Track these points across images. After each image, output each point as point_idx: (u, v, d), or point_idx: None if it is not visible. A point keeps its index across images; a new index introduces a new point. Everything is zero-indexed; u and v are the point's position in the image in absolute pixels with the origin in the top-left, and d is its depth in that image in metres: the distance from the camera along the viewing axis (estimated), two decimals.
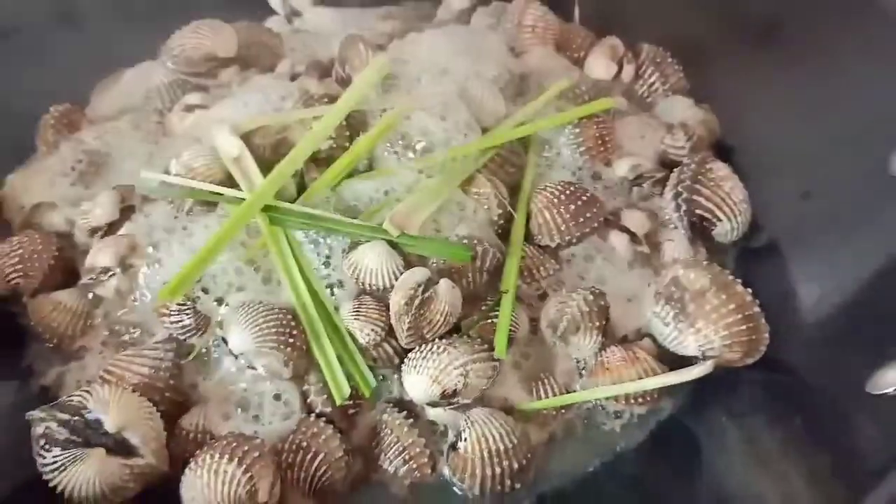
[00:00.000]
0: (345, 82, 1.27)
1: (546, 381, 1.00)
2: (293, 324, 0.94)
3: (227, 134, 1.06)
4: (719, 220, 1.14)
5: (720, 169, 1.17)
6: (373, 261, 0.98)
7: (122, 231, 1.08)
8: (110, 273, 1.03)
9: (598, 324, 1.01)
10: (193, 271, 0.92)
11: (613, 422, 1.01)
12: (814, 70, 1.22)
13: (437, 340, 0.95)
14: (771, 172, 1.21)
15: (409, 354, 0.96)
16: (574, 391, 1.01)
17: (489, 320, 0.99)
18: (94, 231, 1.08)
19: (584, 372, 1.03)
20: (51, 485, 0.82)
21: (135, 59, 1.41)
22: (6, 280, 1.06)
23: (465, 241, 1.02)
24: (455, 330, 0.99)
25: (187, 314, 0.96)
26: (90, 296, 1.06)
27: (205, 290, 0.98)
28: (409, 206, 1.01)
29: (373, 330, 0.96)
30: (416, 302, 0.94)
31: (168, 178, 1.05)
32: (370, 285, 0.99)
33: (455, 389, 0.91)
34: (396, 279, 0.98)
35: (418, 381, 0.92)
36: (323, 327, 0.95)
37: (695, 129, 1.26)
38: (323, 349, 0.94)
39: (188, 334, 0.98)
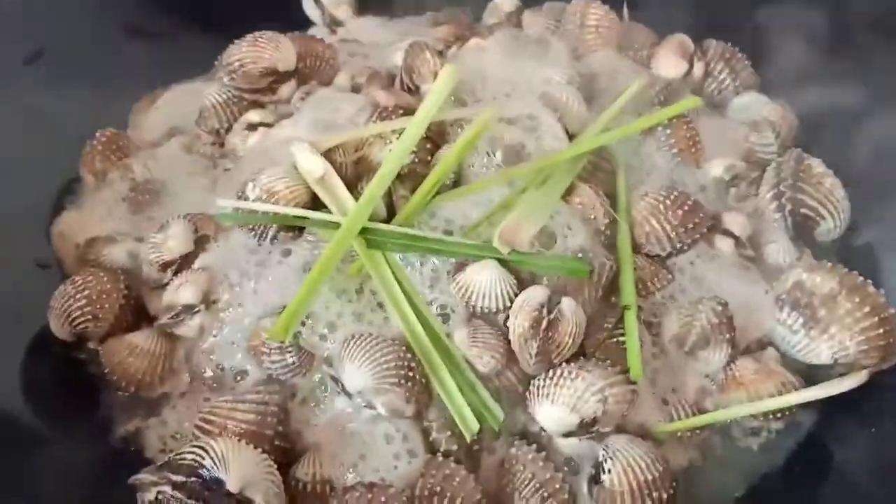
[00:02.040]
0: (412, 92, 1.20)
1: (678, 400, 0.93)
2: (409, 356, 0.86)
3: (309, 152, 0.98)
4: (822, 218, 1.09)
5: (818, 165, 1.12)
6: (484, 282, 0.90)
7: (198, 264, 0.98)
8: (194, 310, 0.94)
9: (727, 336, 0.94)
10: (301, 305, 0.83)
11: (749, 439, 0.94)
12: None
13: (563, 365, 0.88)
14: (854, 167, 1.16)
15: (536, 382, 0.88)
16: (706, 410, 0.93)
17: (615, 339, 0.92)
18: (166, 265, 0.99)
19: (713, 387, 0.95)
20: None
21: (170, 78, 1.33)
22: (72, 324, 0.96)
23: (579, 254, 0.94)
24: (578, 353, 0.91)
25: (290, 352, 0.87)
26: (167, 337, 0.97)
27: (304, 325, 0.89)
28: (517, 221, 0.93)
29: (493, 357, 0.88)
30: (543, 324, 0.86)
31: (248, 205, 0.96)
32: (482, 308, 0.91)
33: (594, 417, 0.84)
34: (511, 300, 0.91)
35: (553, 411, 0.85)
36: (440, 358, 0.87)
37: (780, 124, 1.21)
38: (443, 382, 0.86)
39: (291, 374, 0.89)
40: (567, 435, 0.86)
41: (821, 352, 0.95)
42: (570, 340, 0.87)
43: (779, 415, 0.92)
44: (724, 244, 1.07)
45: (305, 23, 1.47)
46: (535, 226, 0.94)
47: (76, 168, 1.18)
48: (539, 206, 0.96)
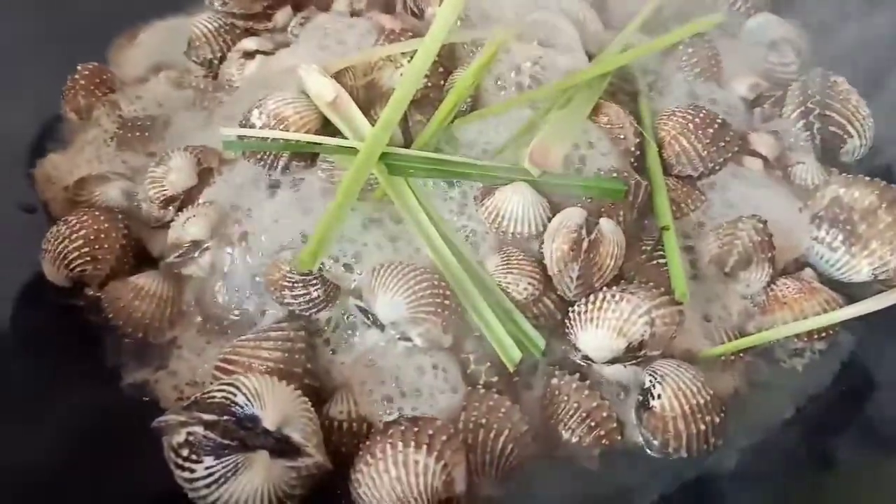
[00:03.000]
0: (416, 16, 1.13)
1: (720, 323, 0.89)
2: (443, 284, 0.81)
3: (319, 75, 0.90)
4: (850, 136, 1.06)
5: (843, 83, 1.08)
6: (516, 205, 0.85)
7: (203, 198, 0.91)
8: (204, 246, 0.87)
9: (769, 255, 0.90)
10: (328, 230, 0.77)
11: (793, 360, 0.91)
12: None
13: (605, 289, 0.83)
14: (873, 86, 1.13)
15: (576, 308, 0.83)
16: (749, 333, 0.90)
17: (654, 262, 0.88)
18: (168, 201, 0.91)
19: (755, 309, 0.92)
20: (202, 503, 0.67)
21: (148, 14, 1.24)
22: (69, 268, 0.88)
23: (613, 174, 0.89)
24: (618, 276, 0.87)
25: (314, 285, 0.81)
26: (174, 277, 0.90)
27: (329, 256, 0.83)
28: (547, 141, 0.88)
29: (530, 283, 0.83)
30: (584, 245, 0.81)
31: (255, 132, 0.89)
32: (515, 234, 0.86)
33: (642, 341, 0.79)
34: (545, 224, 0.86)
35: (598, 336, 0.80)
36: (474, 286, 0.81)
37: (799, 43, 1.17)
38: (480, 311, 0.80)
39: (315, 308, 0.83)
40: (612, 362, 0.82)
41: (861, 269, 0.92)
42: (612, 262, 0.83)
43: (823, 334, 0.89)
44: (753, 164, 1.03)
45: None
46: (565, 146, 0.89)
47: (57, 106, 1.09)
48: (567, 126, 0.91)
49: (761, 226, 0.90)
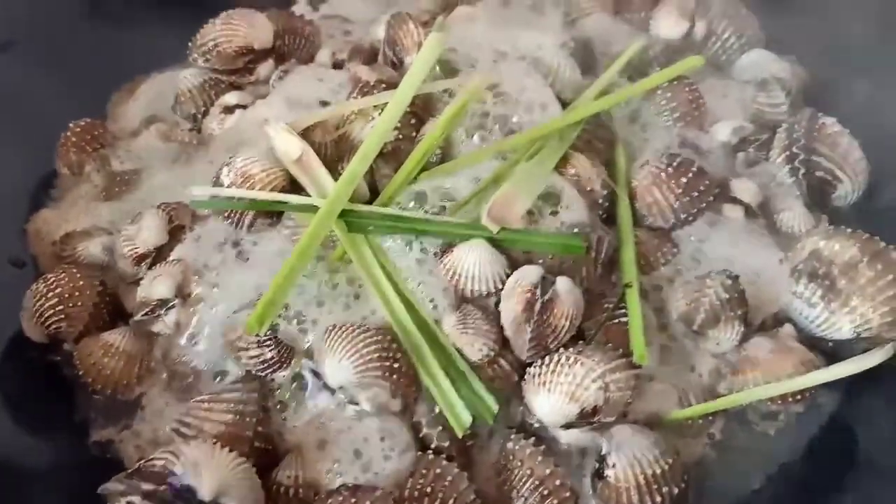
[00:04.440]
0: (396, 66, 1.14)
1: (688, 385, 0.87)
2: (395, 346, 0.80)
3: (286, 133, 0.92)
4: (840, 181, 1.02)
5: (833, 125, 1.04)
6: (473, 263, 0.84)
7: (173, 256, 0.93)
8: (169, 305, 0.89)
9: (739, 312, 0.87)
10: (278, 294, 0.78)
11: (765, 424, 0.88)
12: None
13: (561, 350, 0.82)
14: (874, 127, 1.08)
15: (531, 370, 0.82)
16: (720, 394, 0.87)
17: (616, 321, 0.86)
18: (141, 258, 0.93)
19: (725, 369, 0.89)
20: None
21: (150, 66, 1.28)
22: (45, 325, 0.92)
23: (575, 229, 0.88)
24: (577, 336, 0.85)
25: (268, 346, 0.82)
26: (144, 335, 0.92)
27: (282, 316, 0.84)
28: (507, 196, 0.87)
29: (485, 344, 0.82)
30: (538, 307, 0.80)
31: (222, 191, 0.91)
32: (472, 292, 0.85)
33: (595, 406, 0.78)
34: (503, 283, 0.85)
35: (550, 400, 0.78)
36: (428, 347, 0.81)
37: (790, 82, 1.13)
38: (431, 372, 0.80)
39: (270, 369, 0.84)
40: (567, 426, 0.80)
41: (841, 326, 0.88)
42: (567, 323, 0.81)
43: (798, 396, 0.85)
44: (733, 213, 1.00)
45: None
46: (526, 200, 0.87)
47: (54, 162, 1.13)
48: (530, 179, 0.90)
49: (730, 282, 0.87)
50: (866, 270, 0.86)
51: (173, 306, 0.89)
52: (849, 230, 0.91)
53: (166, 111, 1.18)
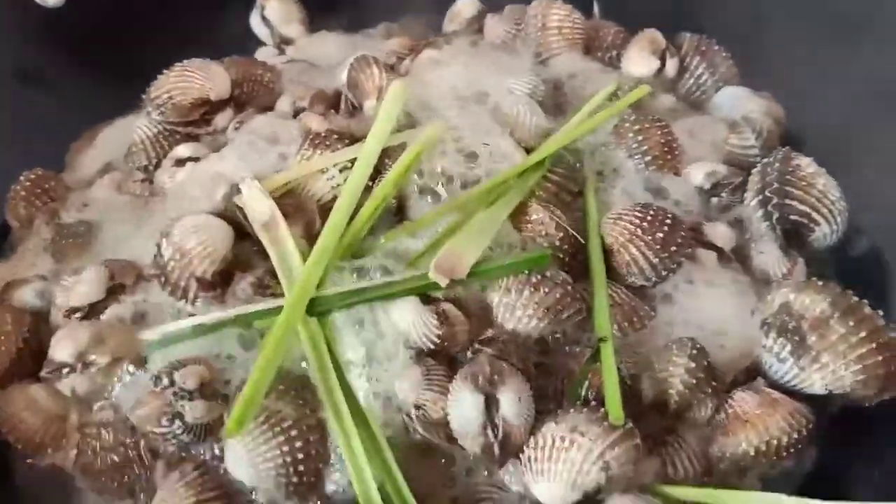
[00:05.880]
0: (354, 110, 1.11)
1: (678, 447, 0.82)
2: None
3: (258, 193, 0.88)
4: (817, 223, 0.97)
5: (808, 165, 1.00)
6: (405, 321, 0.81)
7: (105, 315, 0.89)
8: (66, 370, 0.85)
9: (709, 390, 0.83)
10: (257, 391, 0.72)
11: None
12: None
13: (548, 427, 0.76)
14: (853, 164, 1.04)
15: (525, 452, 0.77)
16: (712, 455, 0.83)
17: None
18: (71, 311, 0.90)
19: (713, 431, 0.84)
20: None
21: (109, 115, 1.25)
22: None
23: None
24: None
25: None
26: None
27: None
28: (455, 249, 0.83)
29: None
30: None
31: (171, 326, 0.85)
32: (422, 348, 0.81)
33: (598, 487, 0.73)
34: (436, 339, 0.80)
35: (552, 490, 0.74)
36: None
37: (761, 122, 1.09)
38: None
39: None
40: None
41: (813, 382, 0.83)
42: (526, 432, 0.77)
43: (791, 450, 0.80)
44: (706, 259, 0.96)
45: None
46: (474, 252, 0.83)
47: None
48: (481, 230, 0.86)
49: (693, 365, 0.82)
50: (837, 326, 0.82)
51: (73, 371, 0.85)
52: (820, 283, 0.86)
53: (122, 160, 1.15)
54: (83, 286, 0.90)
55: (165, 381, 0.79)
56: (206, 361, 0.82)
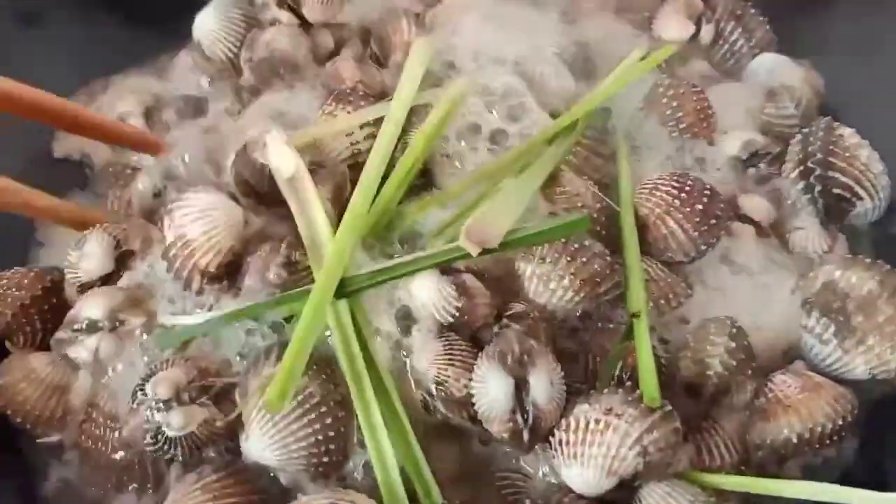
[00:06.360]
0: (380, 63, 1.06)
1: (713, 433, 0.78)
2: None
3: (284, 147, 0.81)
4: (860, 198, 0.93)
5: (851, 136, 0.95)
6: (423, 293, 0.77)
7: (121, 284, 0.84)
8: (98, 326, 0.80)
9: (749, 372, 0.79)
10: (297, 362, 0.67)
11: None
12: None
13: (581, 408, 0.72)
14: (891, 140, 0.99)
15: (556, 434, 0.72)
16: (752, 442, 0.79)
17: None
18: (84, 288, 0.84)
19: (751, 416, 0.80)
20: None
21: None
22: None
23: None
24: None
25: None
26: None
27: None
28: (487, 216, 0.77)
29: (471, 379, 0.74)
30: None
31: (181, 319, 0.79)
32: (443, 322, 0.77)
33: (636, 473, 0.69)
34: (455, 312, 0.76)
35: (585, 475, 0.69)
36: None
37: (801, 91, 1.04)
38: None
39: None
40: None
41: (856, 366, 0.80)
42: (557, 411, 0.73)
43: (834, 438, 0.77)
44: (742, 233, 0.91)
45: None
46: (508, 219, 0.77)
47: None
48: (514, 196, 0.80)
49: (734, 344, 0.78)
50: (885, 307, 0.78)
51: (101, 329, 0.80)
52: (868, 260, 0.82)
53: None
54: (87, 261, 0.84)
55: (139, 394, 0.74)
56: (209, 358, 0.79)
